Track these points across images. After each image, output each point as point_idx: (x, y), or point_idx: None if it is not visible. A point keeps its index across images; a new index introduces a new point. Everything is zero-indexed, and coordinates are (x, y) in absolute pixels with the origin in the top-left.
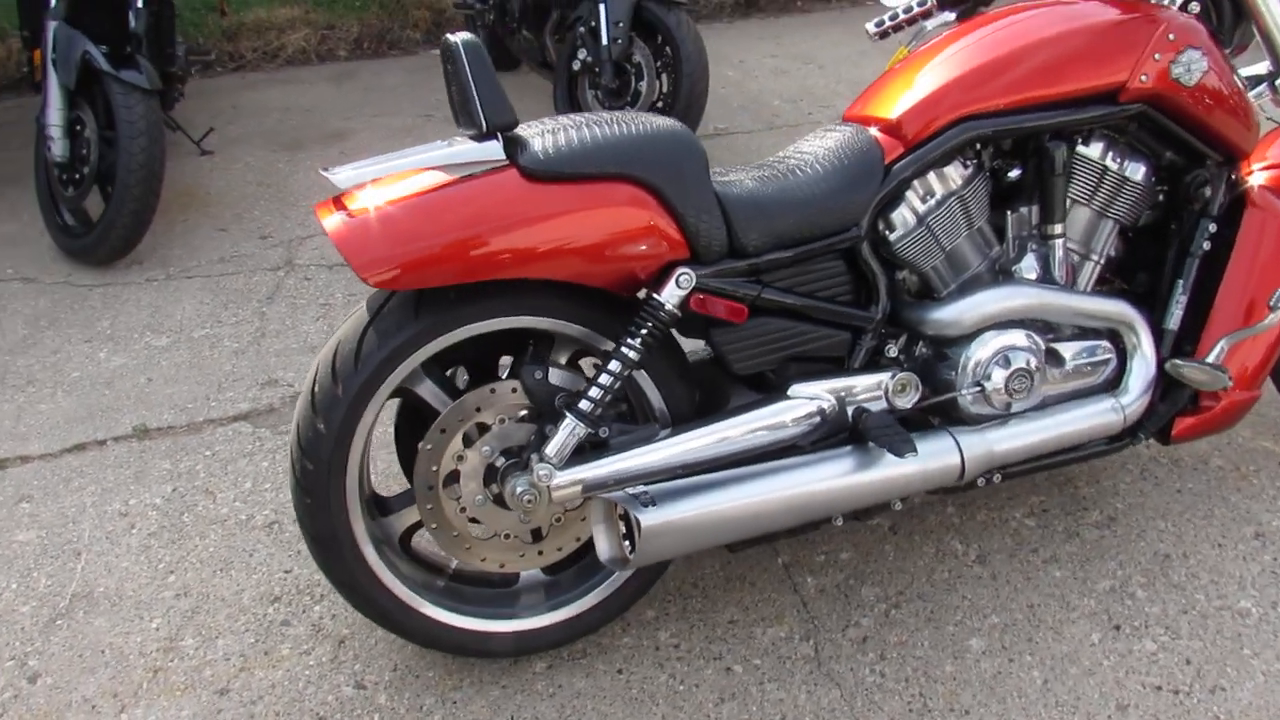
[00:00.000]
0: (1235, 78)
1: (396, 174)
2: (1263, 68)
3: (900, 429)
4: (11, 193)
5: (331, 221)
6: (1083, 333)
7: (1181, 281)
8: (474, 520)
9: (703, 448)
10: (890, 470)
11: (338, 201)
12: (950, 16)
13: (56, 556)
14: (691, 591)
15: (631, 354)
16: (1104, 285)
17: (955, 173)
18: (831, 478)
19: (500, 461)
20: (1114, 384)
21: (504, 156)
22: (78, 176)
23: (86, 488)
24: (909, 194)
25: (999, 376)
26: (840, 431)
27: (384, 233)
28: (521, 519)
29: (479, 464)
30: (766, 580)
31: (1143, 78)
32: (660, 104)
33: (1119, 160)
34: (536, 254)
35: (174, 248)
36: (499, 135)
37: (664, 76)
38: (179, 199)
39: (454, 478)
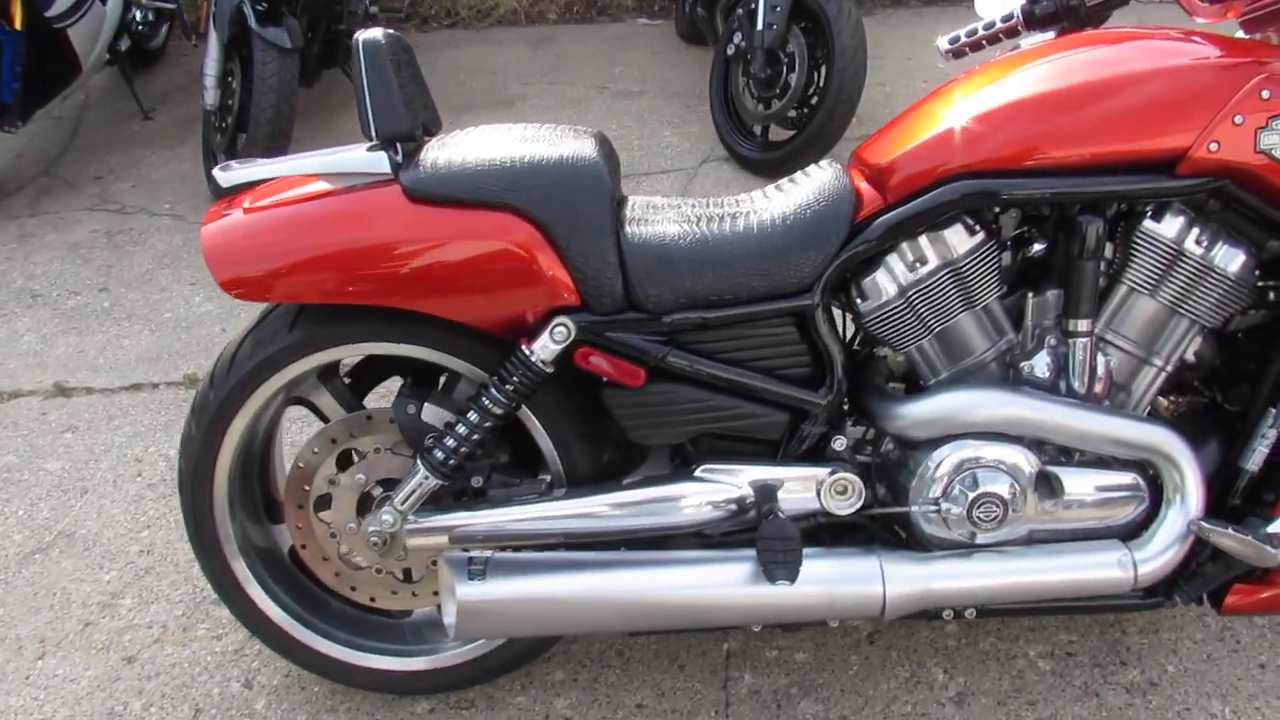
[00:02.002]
0: None
1: (287, 179)
2: None
3: (793, 546)
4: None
5: (210, 224)
6: (1104, 460)
7: (1275, 411)
8: (347, 549)
9: (578, 518)
10: (782, 590)
11: (232, 201)
12: (1047, 36)
13: (67, 491)
14: (613, 660)
15: (494, 407)
16: (1185, 398)
17: (956, 239)
18: (706, 585)
19: (378, 492)
20: (1142, 527)
21: (390, 171)
22: (224, 125)
23: (123, 428)
24: (891, 259)
25: (961, 498)
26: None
27: (247, 242)
28: (387, 558)
29: (353, 491)
30: (700, 666)
31: (1212, 146)
32: (814, 99)
33: (1204, 243)
34: (401, 282)
35: None
36: (398, 147)
37: (821, 70)
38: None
39: (327, 501)
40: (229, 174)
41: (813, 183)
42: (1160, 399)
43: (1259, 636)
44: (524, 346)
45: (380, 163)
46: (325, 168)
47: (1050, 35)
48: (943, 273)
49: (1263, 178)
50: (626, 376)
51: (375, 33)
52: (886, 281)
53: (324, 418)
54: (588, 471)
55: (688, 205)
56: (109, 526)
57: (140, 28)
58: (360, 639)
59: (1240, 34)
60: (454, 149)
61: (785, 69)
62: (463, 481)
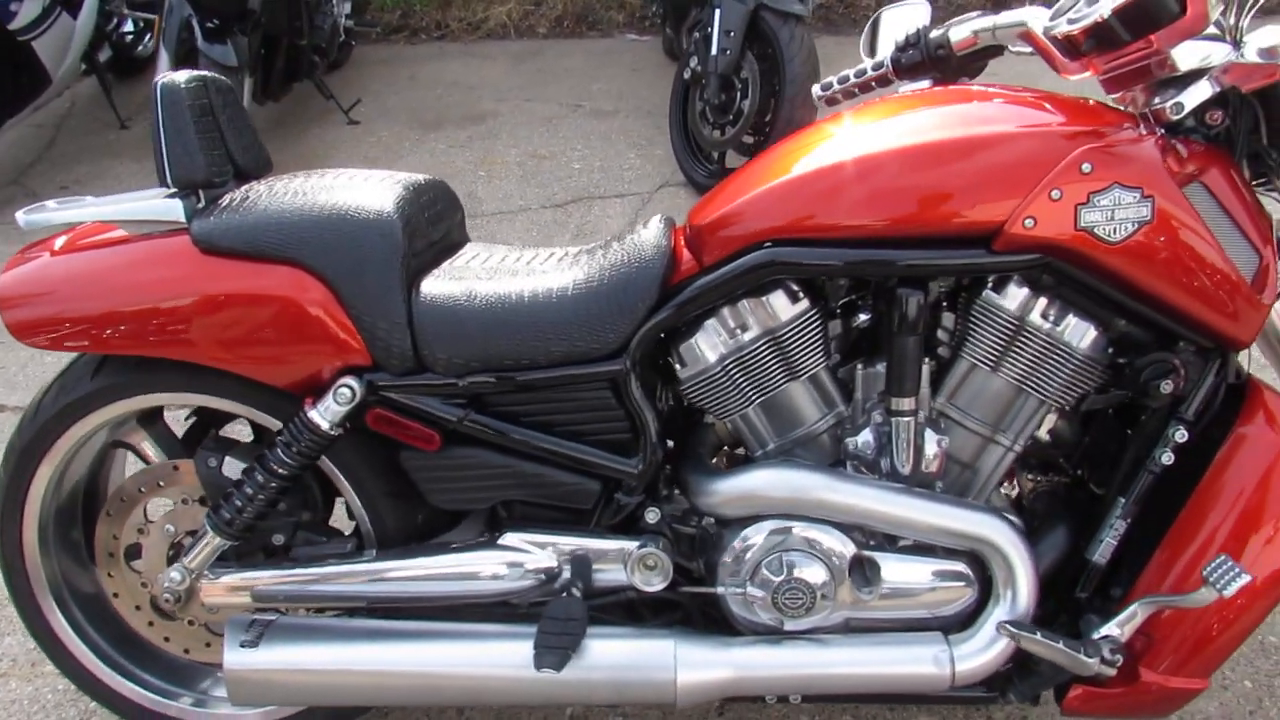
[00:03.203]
0: (1245, 235)
1: (89, 224)
2: None
3: (575, 629)
4: None
5: (8, 269)
6: (933, 547)
7: (1124, 500)
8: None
9: (376, 583)
10: (567, 673)
11: (41, 244)
12: (921, 85)
13: None
14: (453, 718)
15: (278, 468)
16: (1048, 477)
17: (778, 306)
18: (487, 663)
19: (187, 542)
20: (972, 620)
21: (184, 219)
22: None
23: None
24: (711, 324)
25: (767, 582)
26: (598, 594)
27: (38, 289)
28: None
29: (162, 541)
30: None
31: (1028, 222)
32: (768, 125)
33: (1051, 317)
34: (187, 336)
35: None
36: (200, 194)
37: (776, 97)
38: (295, 164)
39: (138, 550)
40: (30, 218)
41: (631, 243)
42: (1030, 477)
43: None
44: (307, 407)
45: (175, 210)
46: (123, 215)
47: (924, 84)
48: (763, 341)
49: (1087, 256)
50: (420, 440)
51: (175, 77)
52: (705, 348)
53: (149, 463)
54: (398, 532)
55: (512, 258)
56: None
57: (127, 36)
58: (181, 689)
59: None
60: (251, 199)
61: (739, 94)
62: (262, 539)
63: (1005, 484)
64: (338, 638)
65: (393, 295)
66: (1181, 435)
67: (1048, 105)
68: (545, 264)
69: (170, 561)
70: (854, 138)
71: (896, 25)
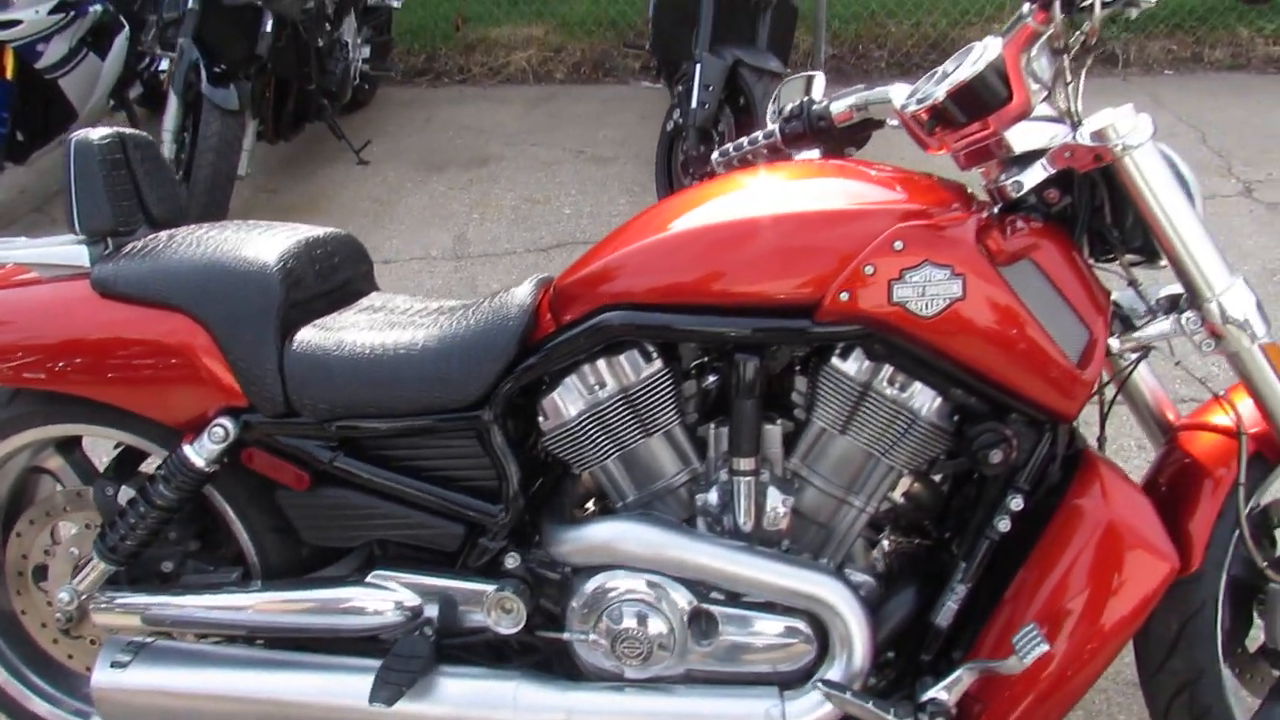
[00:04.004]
0: (1075, 312)
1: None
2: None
3: (414, 666)
4: None
5: None
6: (774, 604)
7: (965, 566)
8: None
9: (252, 613)
10: (408, 708)
11: None
12: (813, 153)
13: None
14: None
15: (158, 500)
16: (908, 538)
17: (631, 365)
18: (333, 695)
19: None
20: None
21: (87, 264)
22: (177, 176)
23: None
24: (571, 379)
25: (607, 630)
26: (454, 634)
27: None
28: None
29: (67, 563)
30: None
31: (843, 296)
32: None
33: (896, 383)
34: (82, 373)
35: None
36: (108, 241)
37: None
38: (301, 202)
39: (46, 571)
40: None
41: (501, 300)
42: (893, 537)
43: None
44: (184, 445)
45: (80, 256)
46: (34, 259)
47: (813, 153)
48: (618, 398)
49: (903, 329)
50: (290, 479)
51: (89, 134)
52: (564, 402)
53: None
54: (282, 565)
55: (401, 309)
56: None
57: (160, 74)
58: (92, 707)
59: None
60: (151, 247)
61: (717, 147)
62: (153, 565)
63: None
64: (204, 664)
65: (267, 343)
66: (1018, 504)
67: (881, 182)
68: (424, 317)
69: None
70: (699, 208)
71: (795, 94)
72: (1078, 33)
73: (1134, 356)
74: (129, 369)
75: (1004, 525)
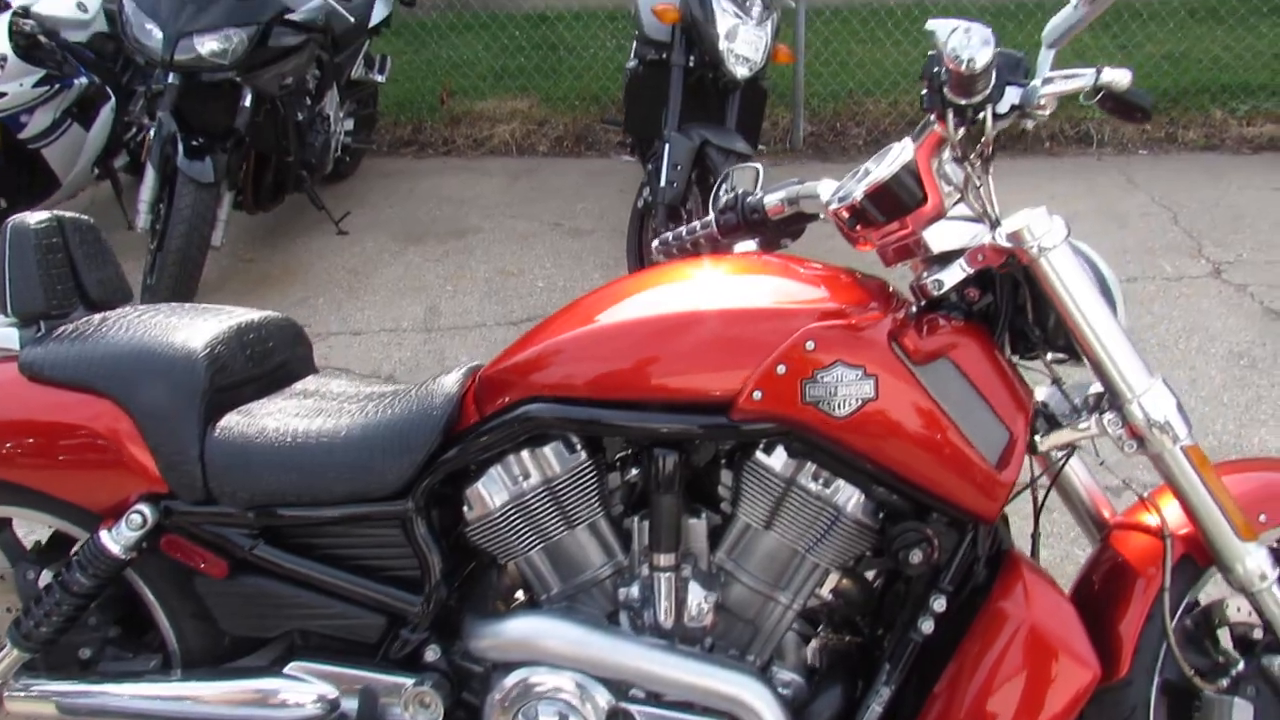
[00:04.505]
0: (995, 412)
1: None
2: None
3: None
4: None
5: None
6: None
7: (889, 667)
8: None
9: (168, 703)
10: None
11: None
12: (749, 245)
13: None
14: None
15: (74, 586)
16: (839, 635)
17: (555, 457)
18: None
19: None
20: None
21: (16, 347)
22: (150, 248)
23: None
24: (496, 470)
25: None
26: None
27: None
28: None
29: None
30: None
31: (756, 395)
32: None
33: (818, 480)
34: (5, 454)
35: None
36: (41, 324)
37: None
38: (278, 271)
39: None
40: None
41: (427, 389)
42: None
43: None
44: (101, 530)
45: (10, 339)
46: None
47: (750, 244)
48: (541, 489)
49: (816, 429)
50: (208, 567)
51: (26, 217)
52: (489, 492)
53: None
54: (202, 653)
55: (334, 394)
56: None
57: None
58: None
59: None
60: (81, 331)
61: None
62: (70, 652)
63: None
64: None
65: (188, 429)
66: (941, 605)
67: (803, 279)
68: (353, 403)
69: None
70: (622, 302)
71: (744, 182)
72: (979, 143)
73: (1062, 455)
74: (51, 453)
75: (927, 626)
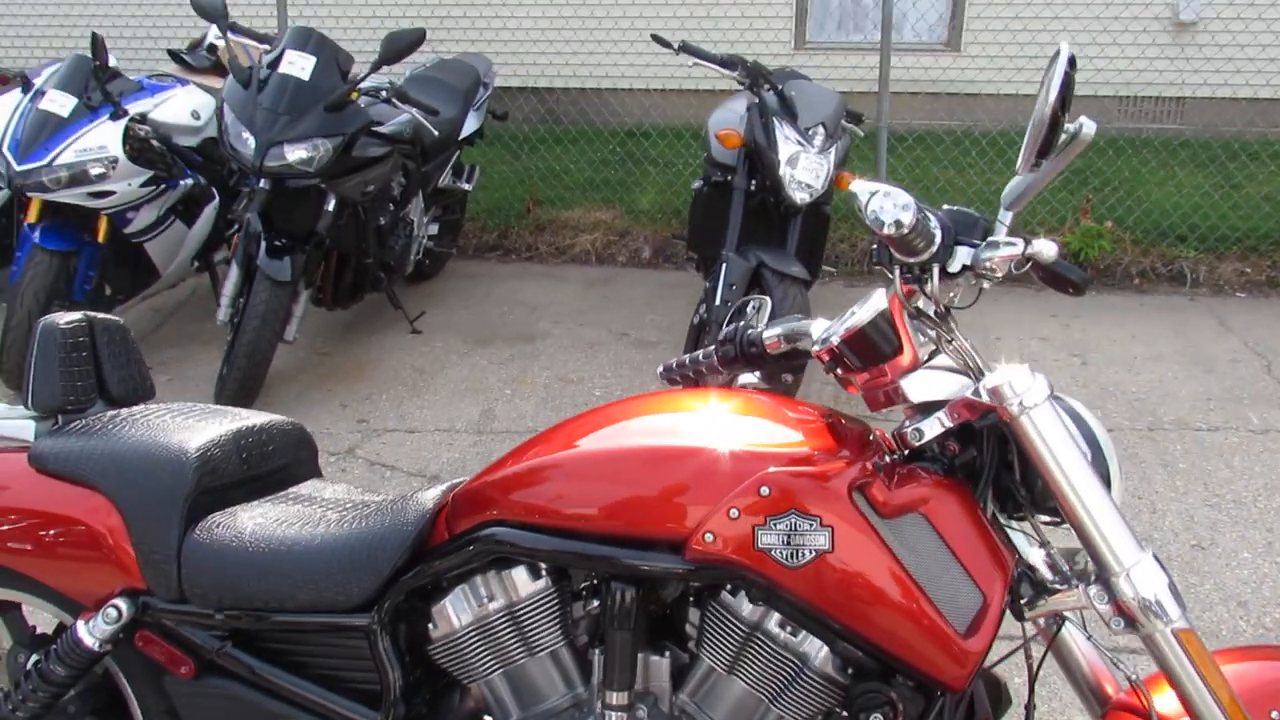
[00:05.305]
0: (968, 573)
1: None
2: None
3: None
4: None
5: None
6: None
7: None
8: None
9: None
10: None
11: None
12: (752, 377)
13: None
14: None
15: (49, 675)
16: None
17: (519, 581)
18: None
19: None
20: None
21: (30, 438)
22: (228, 338)
23: None
24: (462, 589)
25: None
26: None
27: None
28: None
29: None
30: None
31: (707, 537)
32: None
33: (785, 627)
34: (6, 541)
35: (282, 405)
36: (59, 418)
37: None
38: (350, 365)
39: None
40: None
41: (403, 503)
42: None
43: None
44: (80, 622)
45: (26, 430)
46: None
47: (752, 377)
48: (504, 613)
49: (769, 576)
50: (174, 665)
51: (56, 318)
52: (454, 612)
53: None
54: None
55: (320, 501)
56: None
57: None
58: None
59: None
60: (90, 427)
61: None
62: None
63: None
64: None
65: (169, 527)
66: None
67: (778, 421)
68: (337, 512)
69: None
70: (597, 430)
71: (756, 315)
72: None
73: (1055, 623)
74: (46, 542)
75: None
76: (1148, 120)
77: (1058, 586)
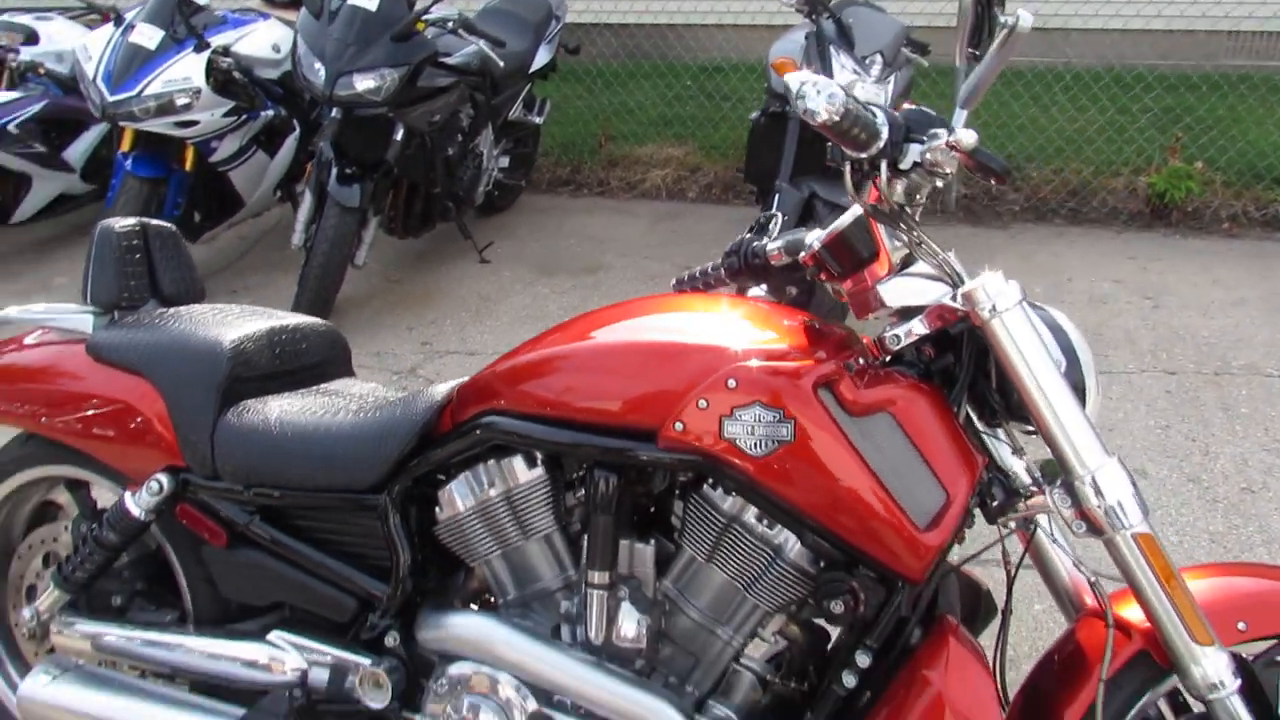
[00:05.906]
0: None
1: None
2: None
3: None
4: None
5: None
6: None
7: (810, 718)
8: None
9: (173, 652)
10: None
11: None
12: (760, 289)
13: None
14: None
15: (102, 540)
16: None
17: (517, 469)
18: None
19: None
20: None
21: (89, 330)
22: (302, 263)
23: None
24: (467, 475)
25: (448, 718)
26: (332, 700)
27: None
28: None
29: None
30: None
31: (678, 426)
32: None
33: (761, 520)
34: (64, 423)
35: (352, 327)
36: (115, 313)
37: None
38: (419, 292)
39: (35, 591)
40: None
41: (416, 395)
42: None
43: None
44: (127, 493)
45: (85, 324)
46: (50, 323)
47: (760, 289)
48: (501, 498)
49: (734, 464)
50: (210, 535)
51: (112, 222)
52: (458, 496)
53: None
54: (211, 613)
55: (347, 395)
56: None
57: None
58: None
59: None
60: (141, 321)
61: None
62: (106, 598)
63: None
64: (112, 692)
65: (204, 411)
66: (865, 660)
67: (760, 323)
68: (359, 402)
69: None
70: (585, 329)
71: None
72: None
73: (1026, 526)
74: (100, 423)
75: (850, 680)
76: (1256, 57)
77: (1032, 491)
